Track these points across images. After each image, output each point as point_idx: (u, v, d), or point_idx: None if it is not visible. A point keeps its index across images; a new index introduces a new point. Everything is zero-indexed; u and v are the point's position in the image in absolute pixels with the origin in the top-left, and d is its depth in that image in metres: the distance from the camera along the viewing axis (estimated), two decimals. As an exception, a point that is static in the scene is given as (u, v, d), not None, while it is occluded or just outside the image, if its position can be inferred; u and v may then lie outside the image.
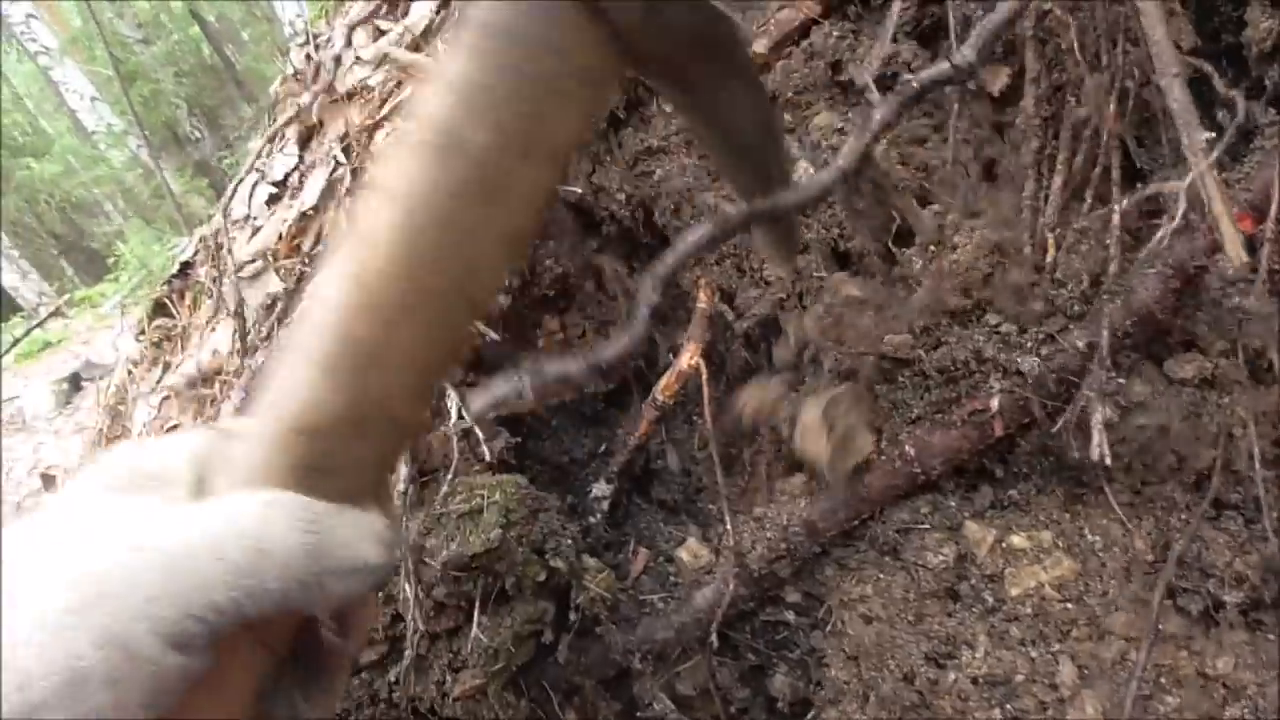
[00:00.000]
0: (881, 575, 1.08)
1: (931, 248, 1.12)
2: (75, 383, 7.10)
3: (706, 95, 0.62)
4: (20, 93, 13.84)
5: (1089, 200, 1.01)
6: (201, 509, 0.44)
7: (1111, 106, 0.99)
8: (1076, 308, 0.97)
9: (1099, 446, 0.90)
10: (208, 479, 0.47)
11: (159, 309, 1.49)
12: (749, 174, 0.67)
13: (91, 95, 12.06)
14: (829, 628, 1.12)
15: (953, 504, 1.06)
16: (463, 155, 0.48)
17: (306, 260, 1.14)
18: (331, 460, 0.48)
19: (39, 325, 8.43)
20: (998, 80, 1.14)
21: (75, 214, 14.09)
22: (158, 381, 1.36)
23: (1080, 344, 0.95)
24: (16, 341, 7.92)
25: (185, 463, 0.47)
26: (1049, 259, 1.02)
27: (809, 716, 1.12)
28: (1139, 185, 1.02)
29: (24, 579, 0.40)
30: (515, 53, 0.48)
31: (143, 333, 1.46)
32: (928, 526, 1.06)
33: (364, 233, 0.49)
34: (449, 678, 1.13)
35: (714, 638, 1.12)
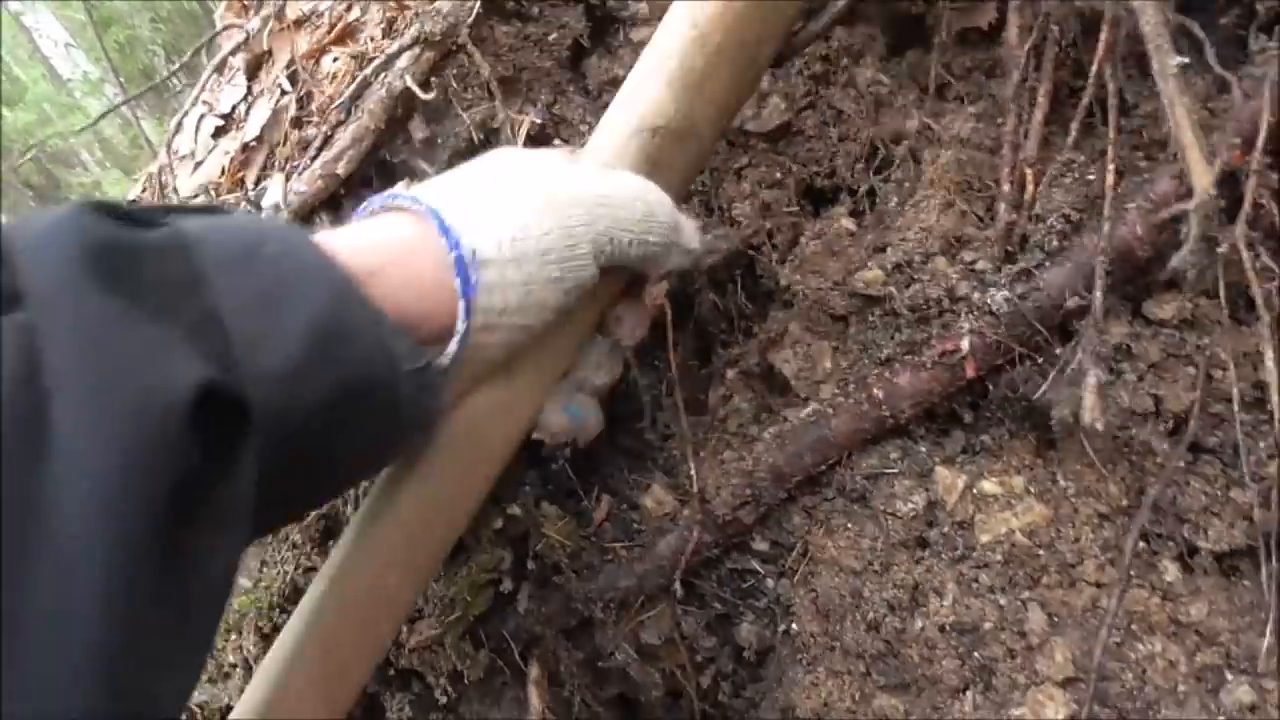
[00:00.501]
0: (850, 524, 1.05)
1: (907, 183, 1.08)
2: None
3: None
4: (-9, 39, 13.51)
5: (1074, 133, 0.97)
6: (616, 174, 0.60)
7: (1103, 34, 0.94)
8: (1055, 243, 0.93)
9: (1091, 411, 0.87)
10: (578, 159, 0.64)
11: (108, 249, 1.43)
12: None
13: (66, 42, 11.82)
14: (796, 577, 1.09)
15: (923, 449, 1.03)
16: None
17: (250, 195, 1.08)
18: (662, 159, 0.64)
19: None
20: (985, 14, 1.09)
21: (51, 164, 13.84)
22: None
23: (1057, 282, 0.91)
24: (-8, 293, 7.83)
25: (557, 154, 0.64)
26: (1028, 195, 0.97)
27: (773, 669, 1.10)
28: (1123, 119, 0.98)
29: (512, 191, 0.56)
30: None
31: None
32: (897, 472, 1.03)
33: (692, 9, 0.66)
34: (404, 628, 1.10)
35: (678, 585, 1.09)
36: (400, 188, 0.57)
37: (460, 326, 0.52)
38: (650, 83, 0.65)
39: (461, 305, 0.52)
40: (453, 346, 0.53)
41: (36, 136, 12.87)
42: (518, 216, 0.54)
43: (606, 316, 0.67)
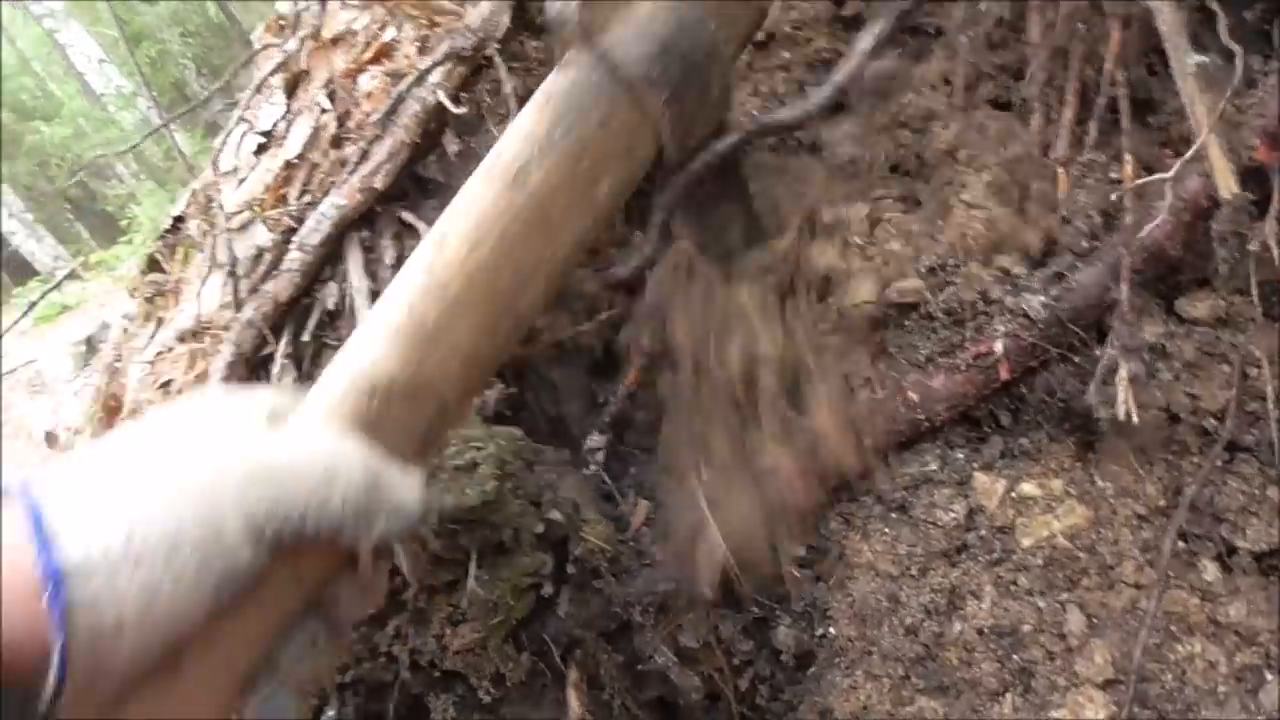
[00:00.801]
0: (887, 529, 1.06)
1: (945, 186, 1.08)
2: (92, 345, 7.17)
3: (704, 203, 0.80)
4: (27, 56, 13.78)
5: (1094, 133, 0.97)
6: (289, 435, 0.53)
7: (1115, 33, 0.94)
8: (1084, 244, 0.93)
9: (1125, 404, 0.87)
10: (282, 418, 0.56)
11: (152, 265, 1.47)
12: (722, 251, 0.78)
13: (99, 57, 12.03)
14: (832, 581, 1.10)
15: (960, 456, 1.03)
16: (522, 189, 0.60)
17: (294, 210, 1.11)
18: (385, 419, 0.56)
19: (55, 288, 8.47)
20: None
21: (87, 177, 14.09)
22: (151, 337, 1.34)
23: (1089, 282, 0.91)
24: (33, 305, 7.98)
25: (261, 407, 0.56)
26: (1061, 194, 0.98)
27: (811, 672, 1.11)
28: (1148, 117, 0.98)
29: (138, 464, 0.48)
30: (575, 119, 0.61)
31: (135, 288, 1.44)
32: (937, 481, 1.03)
33: (438, 236, 0.60)
34: (448, 631, 1.12)
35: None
36: (23, 475, 0.49)
37: (53, 660, 0.43)
38: (374, 335, 0.57)
39: (54, 629, 0.43)
40: (49, 684, 0.43)
41: (73, 150, 13.14)
42: (142, 506, 0.46)
43: (321, 593, 0.57)
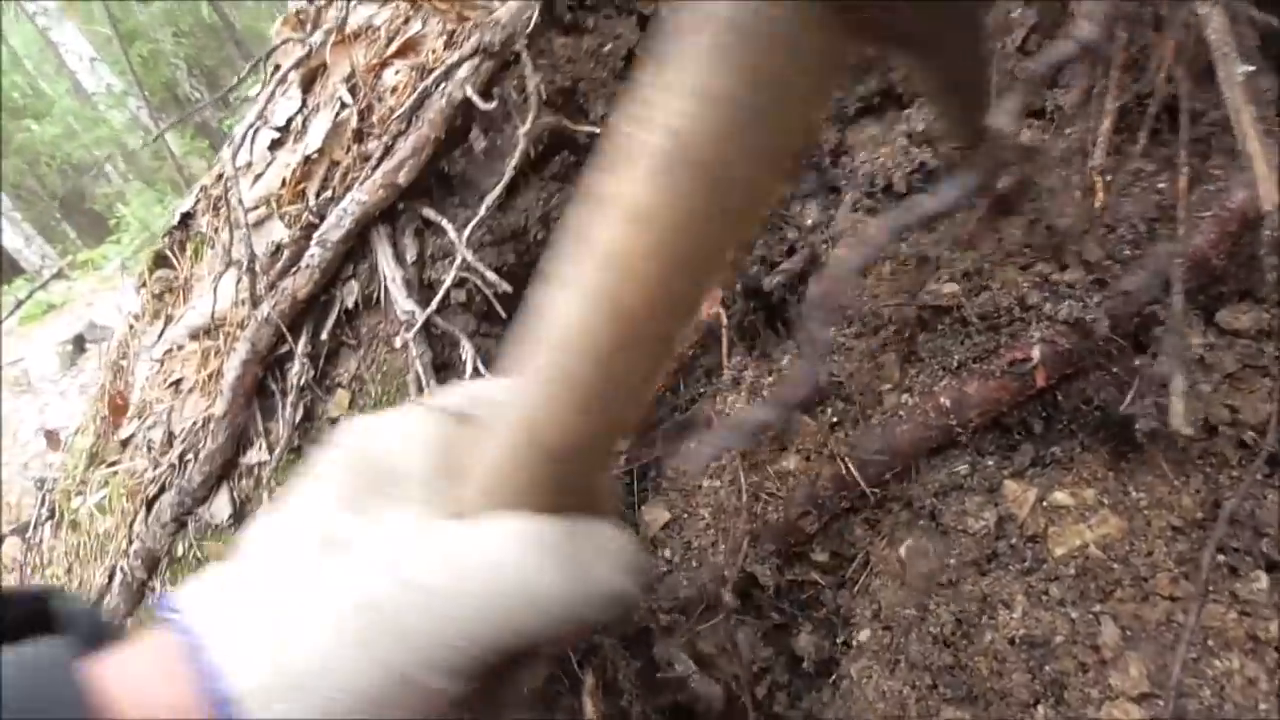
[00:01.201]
0: (914, 537, 1.04)
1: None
2: (79, 344, 7.14)
3: (932, 51, 0.56)
4: (20, 54, 13.70)
5: (1141, 142, 0.96)
6: (463, 542, 0.45)
7: (1175, 42, 0.93)
8: (1126, 252, 0.92)
9: (1179, 416, 0.85)
10: (450, 481, 0.48)
11: (160, 261, 1.44)
12: (960, 110, 0.63)
13: (91, 56, 11.96)
14: (856, 588, 1.08)
15: (991, 463, 1.02)
16: (715, 178, 0.43)
17: (312, 206, 1.09)
18: (576, 480, 0.48)
19: (42, 287, 8.42)
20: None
21: (76, 176, 14.00)
22: (159, 335, 1.32)
23: (1131, 290, 0.90)
24: (20, 303, 7.91)
25: (420, 457, 0.49)
26: (1098, 203, 0.97)
27: (833, 678, 1.09)
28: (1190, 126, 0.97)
29: (299, 596, 0.43)
30: (758, 54, 0.42)
31: (143, 285, 1.42)
32: (967, 489, 1.02)
33: (616, 259, 0.44)
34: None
35: (733, 596, 1.08)
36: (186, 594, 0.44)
37: None
38: (544, 383, 0.46)
39: None
40: None
41: (63, 149, 13.06)
42: (332, 674, 0.42)
43: None
